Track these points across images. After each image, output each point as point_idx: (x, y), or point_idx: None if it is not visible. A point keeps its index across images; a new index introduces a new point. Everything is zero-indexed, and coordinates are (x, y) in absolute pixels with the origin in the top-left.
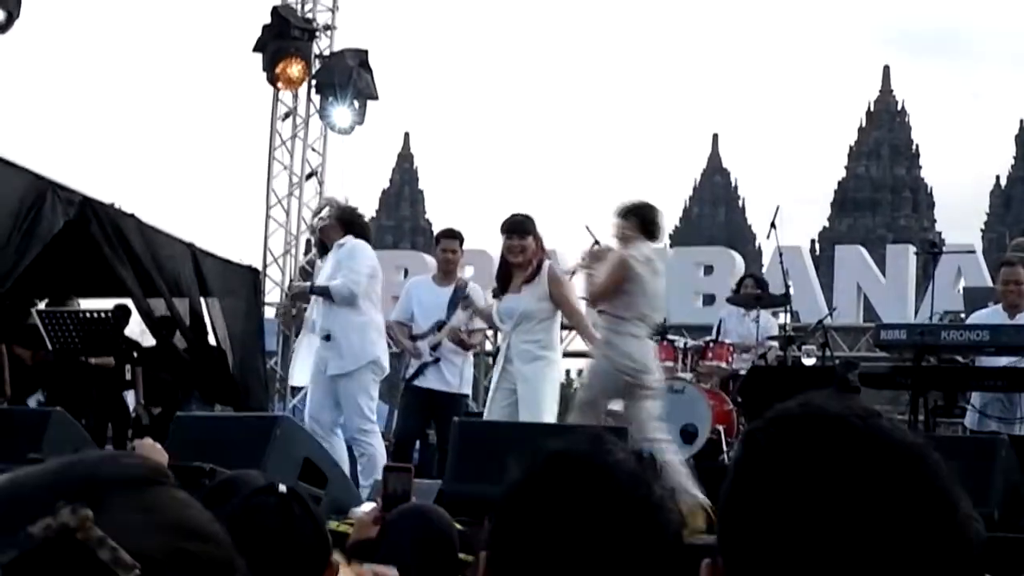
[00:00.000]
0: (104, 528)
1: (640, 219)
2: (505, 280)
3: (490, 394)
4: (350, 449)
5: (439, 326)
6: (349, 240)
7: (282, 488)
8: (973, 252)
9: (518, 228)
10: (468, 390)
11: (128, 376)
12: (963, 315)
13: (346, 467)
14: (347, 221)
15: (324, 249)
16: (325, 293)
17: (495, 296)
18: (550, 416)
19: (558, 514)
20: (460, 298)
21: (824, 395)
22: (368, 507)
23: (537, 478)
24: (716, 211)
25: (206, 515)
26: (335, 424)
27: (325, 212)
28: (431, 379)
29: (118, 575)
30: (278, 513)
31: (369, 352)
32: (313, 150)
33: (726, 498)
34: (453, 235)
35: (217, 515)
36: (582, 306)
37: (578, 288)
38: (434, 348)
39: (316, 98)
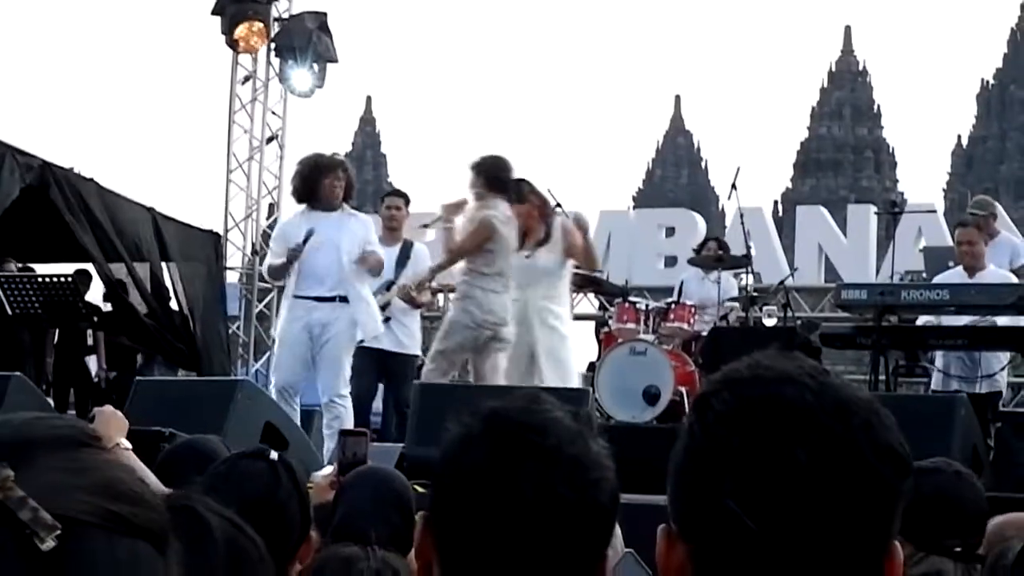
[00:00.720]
0: (28, 488)
1: (486, 176)
2: (522, 240)
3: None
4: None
5: (388, 286)
6: (354, 211)
7: (273, 455)
8: (934, 212)
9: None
10: (419, 350)
11: (90, 341)
12: (924, 275)
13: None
14: (350, 185)
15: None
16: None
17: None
18: (577, 378)
19: (494, 473)
20: (406, 257)
21: (772, 354)
22: (327, 471)
23: (473, 437)
24: (679, 173)
25: (136, 478)
26: (299, 390)
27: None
28: (382, 339)
29: (37, 535)
30: (266, 479)
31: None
32: (273, 114)
33: (679, 464)
34: (397, 193)
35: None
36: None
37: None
38: (383, 308)
39: (276, 61)
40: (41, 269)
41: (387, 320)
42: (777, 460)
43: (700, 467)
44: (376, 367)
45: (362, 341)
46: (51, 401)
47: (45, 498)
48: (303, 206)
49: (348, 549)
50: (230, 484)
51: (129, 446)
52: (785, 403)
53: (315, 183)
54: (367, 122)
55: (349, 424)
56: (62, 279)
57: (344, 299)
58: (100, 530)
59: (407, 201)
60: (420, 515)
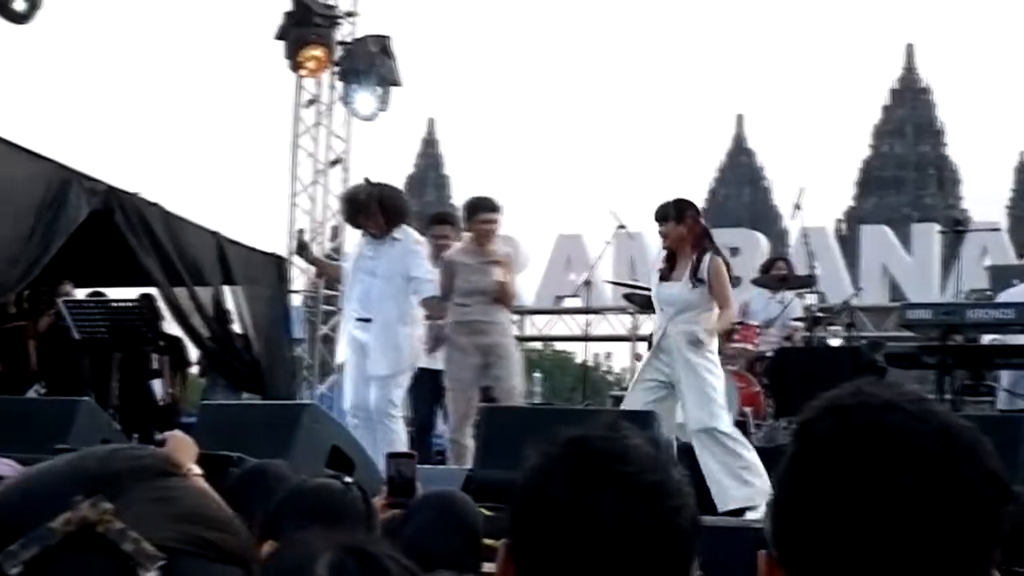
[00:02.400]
0: (123, 520)
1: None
2: (671, 265)
3: (635, 378)
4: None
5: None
6: (406, 232)
7: (346, 479)
8: (998, 230)
9: (658, 215)
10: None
11: (154, 365)
12: (989, 293)
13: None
14: (386, 208)
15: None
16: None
17: (661, 280)
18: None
19: (575, 501)
20: None
21: (874, 382)
22: None
23: (554, 463)
24: (741, 192)
25: (221, 504)
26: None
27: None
28: (439, 361)
29: (142, 566)
30: (338, 502)
31: (406, 347)
32: (337, 137)
33: (783, 489)
34: (442, 220)
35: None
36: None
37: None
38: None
39: (339, 85)
40: (110, 293)
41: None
42: (882, 486)
43: (802, 492)
44: (436, 390)
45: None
46: (117, 425)
47: (138, 528)
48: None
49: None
50: (303, 507)
51: (200, 472)
52: (889, 429)
53: (353, 221)
54: (429, 144)
55: (400, 445)
56: (128, 304)
57: (377, 321)
58: (194, 557)
59: (454, 225)
60: (502, 542)
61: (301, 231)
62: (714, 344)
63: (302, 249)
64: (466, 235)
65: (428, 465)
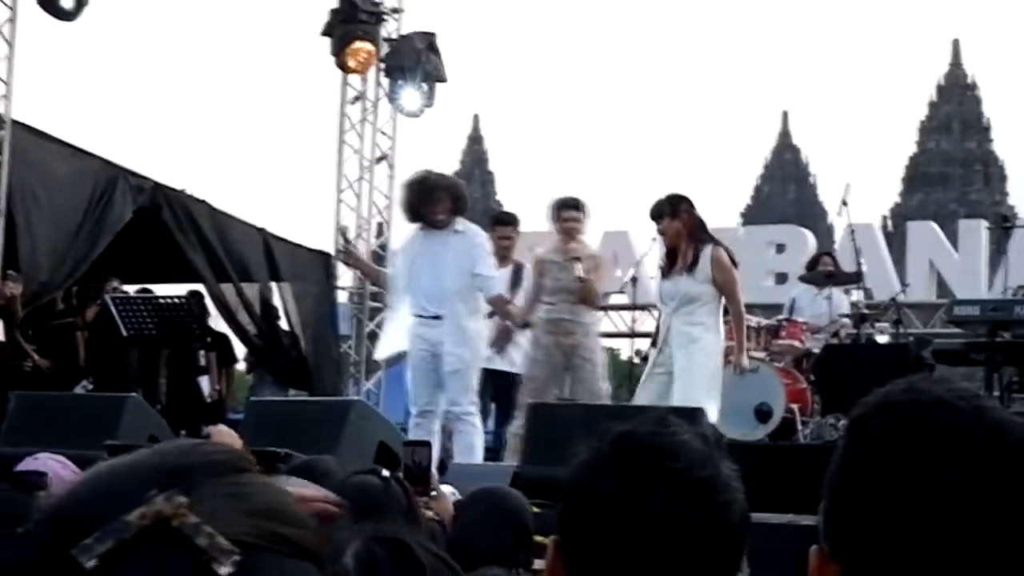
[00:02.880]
0: (197, 514)
1: (588, 216)
2: (671, 260)
3: (644, 376)
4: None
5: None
6: (468, 225)
7: (384, 473)
8: None
9: (653, 213)
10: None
11: (202, 362)
12: None
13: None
14: (457, 199)
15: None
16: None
17: (663, 276)
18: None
19: (624, 498)
20: (519, 278)
21: (927, 378)
22: (446, 489)
23: (603, 459)
24: (787, 189)
25: (292, 500)
26: (434, 404)
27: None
28: (494, 359)
29: (217, 560)
30: (380, 495)
31: (479, 343)
32: (383, 133)
33: (833, 485)
34: (505, 221)
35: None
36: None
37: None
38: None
39: (385, 81)
40: (157, 290)
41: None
42: (932, 482)
43: (854, 488)
44: (490, 387)
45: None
46: (164, 421)
47: (213, 523)
48: (417, 224)
49: (494, 571)
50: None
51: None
52: (940, 425)
53: (416, 208)
54: (475, 140)
55: (478, 444)
56: (176, 300)
57: (448, 318)
58: (269, 553)
59: (516, 226)
60: (551, 539)
61: (344, 229)
62: (714, 336)
63: (346, 254)
64: (554, 234)
65: (479, 462)
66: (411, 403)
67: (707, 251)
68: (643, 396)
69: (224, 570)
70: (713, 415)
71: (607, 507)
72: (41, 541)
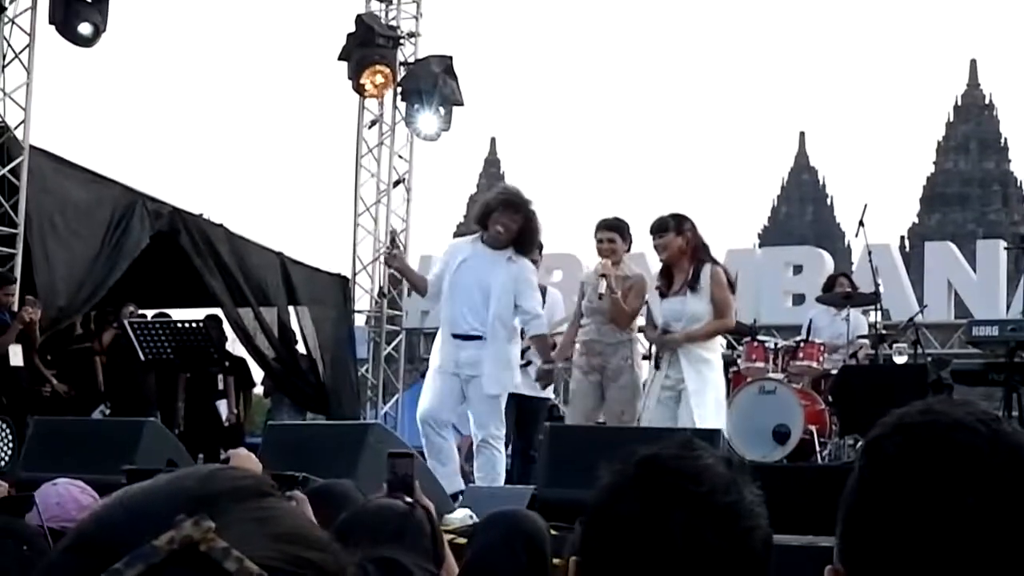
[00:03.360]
0: (224, 539)
1: (630, 240)
2: (668, 280)
3: (648, 396)
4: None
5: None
6: (520, 258)
7: (407, 499)
8: None
9: (656, 227)
10: (552, 394)
11: (220, 386)
12: None
13: (456, 465)
14: (529, 230)
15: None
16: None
17: (661, 295)
18: (717, 422)
19: (646, 521)
20: (543, 303)
21: (945, 400)
22: (461, 513)
23: (627, 482)
24: (804, 210)
25: (315, 524)
26: (448, 423)
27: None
28: (520, 384)
29: None
30: (403, 521)
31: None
32: (400, 157)
33: (851, 506)
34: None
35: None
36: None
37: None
38: (523, 352)
39: (402, 105)
40: (175, 314)
41: (525, 365)
42: (947, 504)
43: (870, 509)
44: (514, 411)
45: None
46: (182, 445)
47: (240, 548)
48: (472, 236)
49: None
50: (366, 528)
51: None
52: (957, 447)
53: (487, 216)
54: (491, 164)
55: (499, 466)
56: (194, 325)
57: (484, 339)
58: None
59: (540, 249)
60: (572, 559)
61: (395, 232)
62: (718, 356)
63: (390, 256)
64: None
65: (496, 485)
66: (420, 411)
67: (707, 269)
68: (653, 419)
69: None
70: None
71: (628, 530)
72: (69, 566)
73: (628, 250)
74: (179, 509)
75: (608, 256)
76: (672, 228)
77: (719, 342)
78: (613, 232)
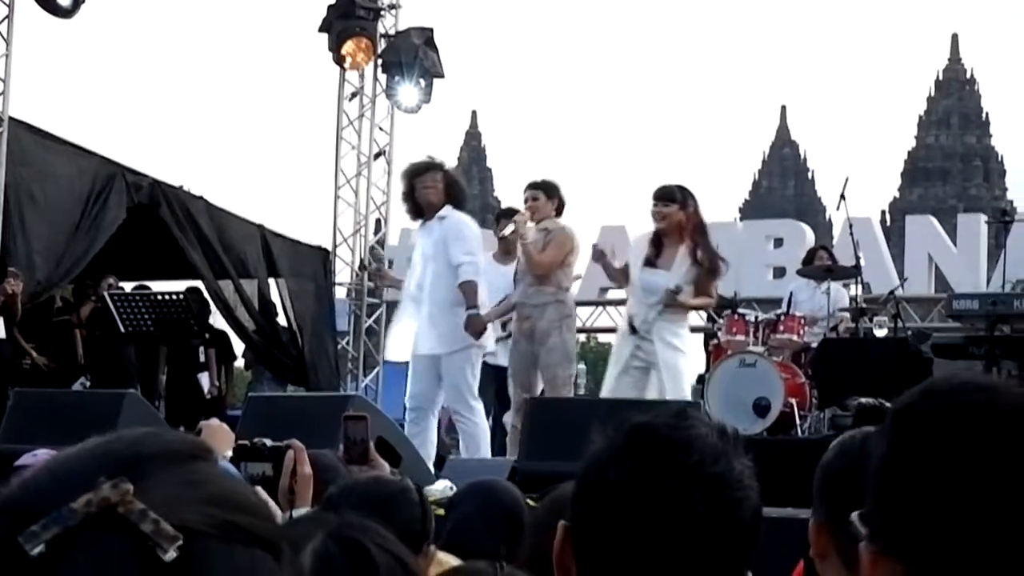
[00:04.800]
0: (147, 502)
1: (560, 200)
2: (656, 249)
3: (615, 367)
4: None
5: (511, 307)
6: (452, 212)
7: (399, 473)
8: None
9: (662, 194)
10: None
11: (201, 358)
12: None
13: (433, 448)
14: (450, 185)
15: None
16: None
17: (646, 264)
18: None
19: (636, 490)
20: None
21: (971, 372)
22: (441, 485)
23: (618, 450)
24: (785, 184)
25: (249, 489)
26: (435, 403)
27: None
28: (499, 356)
29: (160, 546)
30: (390, 494)
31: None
32: (380, 129)
33: (883, 479)
34: (512, 212)
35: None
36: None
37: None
38: (504, 325)
39: (382, 77)
40: (155, 287)
41: (507, 337)
42: (989, 459)
43: (907, 476)
44: (495, 383)
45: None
46: (163, 417)
47: (163, 510)
48: (417, 222)
49: (477, 564)
50: (357, 500)
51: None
52: (989, 404)
53: (411, 192)
54: (473, 136)
55: (481, 439)
56: (174, 297)
57: (436, 311)
58: (219, 540)
59: (503, 216)
60: (560, 524)
61: (369, 264)
62: (686, 330)
63: (379, 276)
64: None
65: (476, 457)
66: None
67: (697, 253)
68: (619, 388)
69: (167, 556)
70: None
71: (617, 497)
72: None
73: (558, 211)
74: (103, 472)
75: (535, 213)
76: (678, 200)
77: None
78: (536, 190)
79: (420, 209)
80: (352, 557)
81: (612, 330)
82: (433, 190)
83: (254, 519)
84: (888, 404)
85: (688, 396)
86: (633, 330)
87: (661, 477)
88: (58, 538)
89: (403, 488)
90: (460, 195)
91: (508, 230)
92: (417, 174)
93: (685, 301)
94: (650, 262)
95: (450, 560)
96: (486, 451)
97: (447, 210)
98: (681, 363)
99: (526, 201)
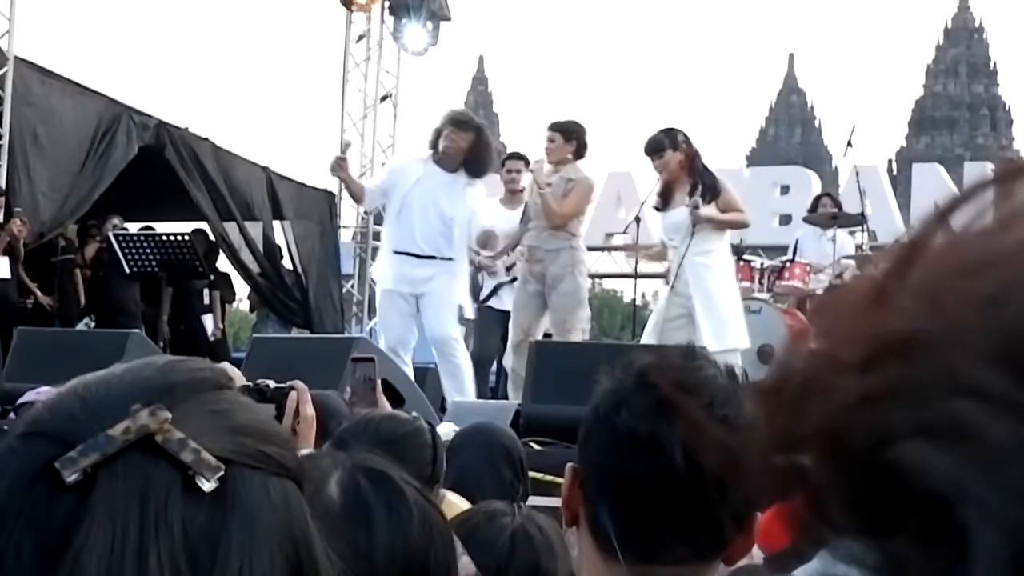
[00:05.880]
0: (181, 430)
1: (578, 143)
2: (666, 195)
3: (660, 314)
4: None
5: (513, 246)
6: (476, 183)
7: (414, 413)
8: None
9: (654, 148)
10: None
11: (206, 300)
12: None
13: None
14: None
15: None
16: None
17: (657, 210)
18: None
19: (642, 429)
20: (530, 218)
21: None
22: (445, 428)
23: (626, 393)
24: (792, 131)
25: (272, 420)
26: (411, 345)
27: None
28: (506, 300)
29: (201, 475)
30: (403, 431)
31: (466, 282)
32: (387, 72)
33: None
34: (518, 156)
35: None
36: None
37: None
38: (508, 269)
39: (389, 20)
40: (160, 228)
41: (512, 281)
42: None
43: None
44: (498, 327)
45: (481, 300)
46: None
47: (198, 439)
48: (429, 152)
49: (495, 504)
50: (369, 438)
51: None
52: None
53: (438, 134)
54: (479, 81)
55: (465, 374)
56: (180, 238)
57: (439, 259)
58: (254, 470)
59: (527, 163)
60: (569, 466)
61: (348, 144)
62: (729, 264)
63: (338, 164)
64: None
65: (481, 400)
66: (389, 341)
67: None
68: (656, 336)
69: (208, 486)
70: (744, 340)
71: (625, 439)
72: (22, 454)
73: (579, 154)
74: (136, 399)
75: (550, 156)
76: (668, 145)
77: (728, 249)
78: (555, 132)
79: (434, 147)
80: (382, 488)
81: (616, 275)
82: (459, 148)
83: (281, 449)
84: None
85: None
86: (668, 283)
87: (668, 419)
88: (96, 466)
89: (416, 428)
90: (482, 161)
91: (525, 181)
92: (450, 124)
93: (712, 215)
94: (661, 208)
95: (459, 502)
96: (470, 386)
97: (469, 178)
98: (716, 305)
99: (546, 142)
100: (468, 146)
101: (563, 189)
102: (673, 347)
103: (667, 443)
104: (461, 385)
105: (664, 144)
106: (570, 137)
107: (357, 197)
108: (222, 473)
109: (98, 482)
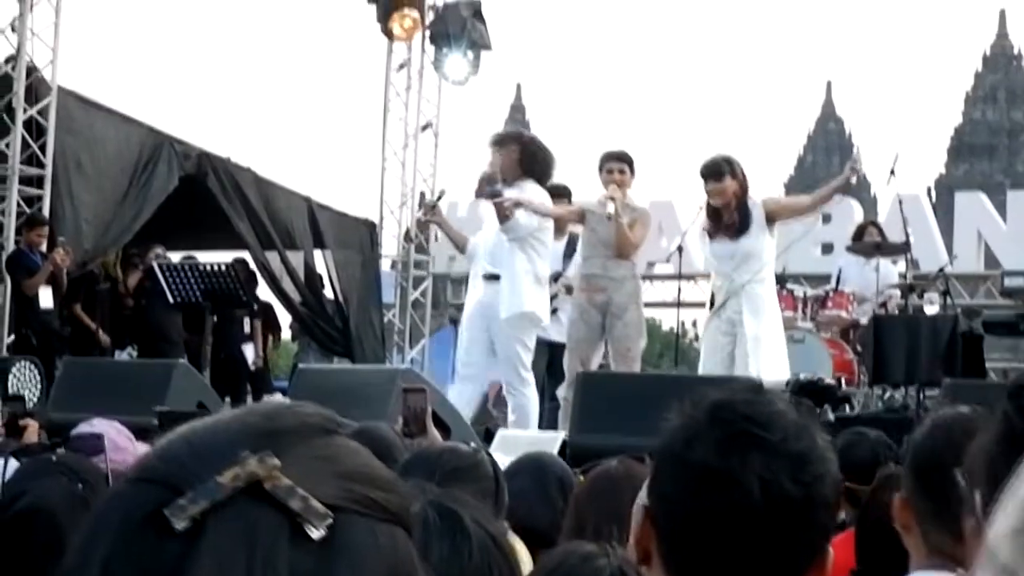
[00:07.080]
0: (289, 477)
1: (632, 170)
2: (715, 222)
3: (708, 341)
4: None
5: (555, 278)
6: (527, 184)
7: (473, 445)
8: None
9: (714, 171)
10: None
11: (247, 329)
12: None
13: (470, 411)
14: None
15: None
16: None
17: (710, 237)
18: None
19: (718, 465)
20: (573, 250)
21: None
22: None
23: (698, 427)
24: (830, 159)
25: (379, 464)
26: (483, 368)
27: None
28: (550, 331)
29: (310, 523)
30: (464, 464)
31: (527, 301)
32: (428, 101)
33: (993, 456)
34: (557, 193)
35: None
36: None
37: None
38: (552, 299)
39: (430, 49)
40: (202, 258)
41: (554, 312)
42: None
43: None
44: (542, 358)
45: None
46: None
47: (304, 486)
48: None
49: (586, 546)
50: (429, 470)
51: None
52: None
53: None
54: (517, 110)
55: (531, 412)
56: (222, 268)
57: (494, 278)
58: (361, 517)
59: (569, 195)
60: (639, 504)
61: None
62: (775, 293)
63: (432, 211)
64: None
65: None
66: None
67: (755, 208)
68: (710, 366)
69: (317, 533)
70: (785, 372)
71: (700, 475)
72: (131, 499)
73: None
74: (243, 445)
75: (620, 186)
76: (728, 172)
77: (774, 282)
78: (623, 163)
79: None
80: (449, 527)
81: (657, 304)
82: (497, 165)
83: (391, 495)
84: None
85: (777, 372)
86: (712, 305)
87: (745, 455)
88: (205, 513)
89: (478, 460)
90: (535, 164)
91: (611, 208)
92: (492, 144)
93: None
94: (713, 235)
95: (515, 544)
96: (535, 424)
97: (522, 182)
98: (767, 334)
99: (611, 172)
100: (518, 158)
101: (628, 219)
102: (739, 380)
103: (742, 477)
104: (526, 422)
105: (724, 170)
106: (632, 168)
107: (457, 244)
108: (331, 520)
109: (206, 529)
